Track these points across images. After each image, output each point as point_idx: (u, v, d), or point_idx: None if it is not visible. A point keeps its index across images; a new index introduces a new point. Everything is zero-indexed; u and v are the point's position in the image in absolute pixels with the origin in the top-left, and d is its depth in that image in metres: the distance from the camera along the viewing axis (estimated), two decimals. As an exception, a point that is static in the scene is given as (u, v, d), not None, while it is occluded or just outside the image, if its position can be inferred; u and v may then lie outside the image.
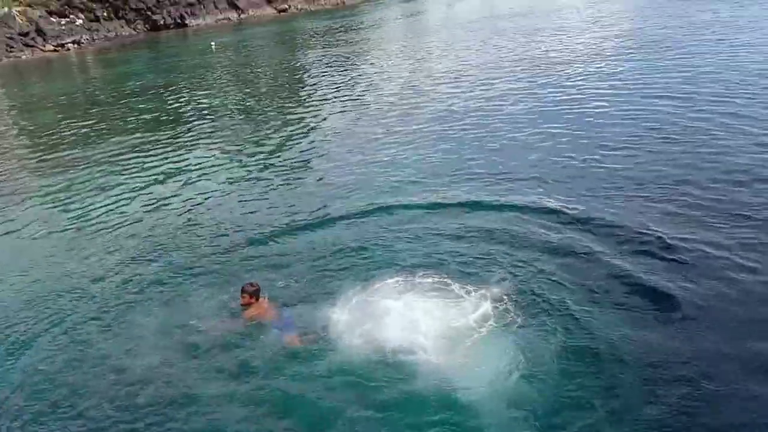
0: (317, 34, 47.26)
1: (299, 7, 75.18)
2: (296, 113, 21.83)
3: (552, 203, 11.25)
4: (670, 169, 12.29)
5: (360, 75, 27.55)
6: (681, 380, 6.82)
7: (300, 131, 19.16)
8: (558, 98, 18.71)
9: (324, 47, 39.05)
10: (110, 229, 12.53)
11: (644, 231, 9.87)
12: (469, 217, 11.09)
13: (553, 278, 8.88)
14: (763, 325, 7.63)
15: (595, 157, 13.38)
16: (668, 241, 9.49)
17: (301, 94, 25.71)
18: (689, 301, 8.11)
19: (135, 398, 7.41)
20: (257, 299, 8.74)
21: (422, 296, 8.43)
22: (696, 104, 16.06)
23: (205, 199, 13.78)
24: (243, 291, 8.74)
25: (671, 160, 12.69)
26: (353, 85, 25.18)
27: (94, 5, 60.32)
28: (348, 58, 33.20)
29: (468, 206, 11.60)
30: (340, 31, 46.87)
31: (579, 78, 20.97)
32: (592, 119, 16.13)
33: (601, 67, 22.17)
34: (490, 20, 43.06)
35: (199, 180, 15.24)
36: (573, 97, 18.58)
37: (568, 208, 10.99)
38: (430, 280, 8.88)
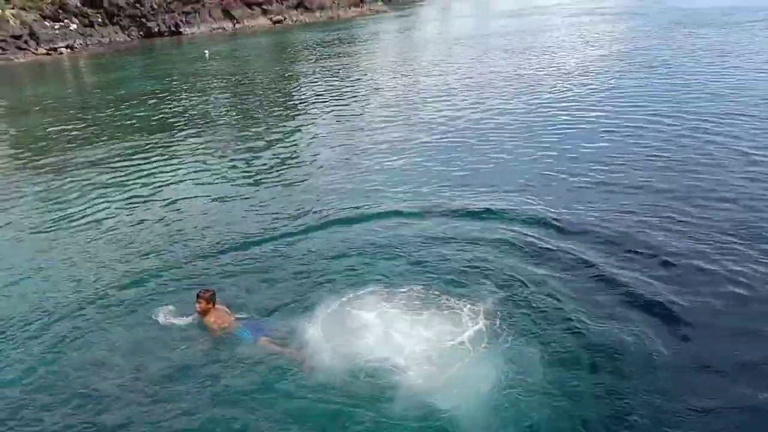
0: (311, 46, 47.45)
1: (294, 19, 75.55)
2: (287, 123, 21.85)
3: (543, 215, 11.23)
4: (658, 183, 12.40)
5: (351, 87, 27.62)
6: (680, 393, 6.71)
7: (290, 141, 19.17)
8: (548, 114, 18.82)
9: (318, 59, 39.18)
10: (90, 235, 12.37)
11: (634, 244, 9.90)
12: (459, 228, 11.01)
13: (547, 292, 8.65)
14: (755, 336, 7.61)
15: (585, 171, 13.45)
16: (659, 253, 9.51)
17: (293, 104, 25.74)
18: (683, 314, 8.08)
19: (101, 418, 6.96)
20: (214, 304, 8.45)
21: (407, 311, 8.07)
22: (683, 123, 16.25)
23: (190, 207, 13.68)
24: (198, 297, 8.41)
25: (659, 175, 12.78)
26: (345, 97, 25.23)
27: (89, 10, 60.36)
28: (340, 70, 33.31)
29: (457, 216, 11.54)
30: (335, 44, 47.08)
31: (569, 95, 21.12)
32: (580, 135, 16.24)
33: (590, 85, 22.37)
34: (483, 38, 43.42)
35: (186, 188, 15.15)
36: (562, 113, 18.69)
37: (559, 220, 10.97)
38: (416, 293, 8.56)
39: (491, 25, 54.29)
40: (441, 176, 13.99)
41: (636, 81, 22.56)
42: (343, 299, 8.54)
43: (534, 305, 8.38)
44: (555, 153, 14.89)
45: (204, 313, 8.43)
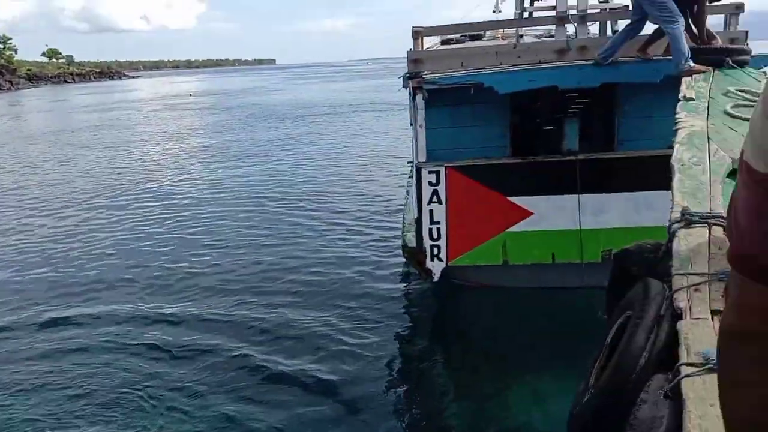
0: None
1: None
2: None
3: (144, 307, 10.53)
4: (250, 257, 12.75)
5: None
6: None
7: None
8: (134, 209, 17.93)
9: None
10: None
11: (239, 322, 9.71)
12: (56, 340, 9.42)
13: (162, 386, 7.88)
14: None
15: (175, 260, 13.03)
16: (264, 326, 9.50)
17: None
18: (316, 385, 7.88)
19: None
20: None
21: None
22: (264, 204, 17.15)
23: None
24: None
25: (253, 257, 13.07)
26: None
27: None
28: None
29: (53, 327, 9.91)
30: None
31: (150, 188, 20.78)
32: (166, 226, 15.81)
33: (174, 177, 22.53)
34: (58, 133, 40.59)
35: None
36: (146, 207, 17.95)
37: (161, 310, 10.34)
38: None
39: (70, 119, 51.37)
40: (25, 288, 12.16)
41: (218, 169, 23.53)
42: None
43: (155, 407, 7.42)
44: (145, 248, 14.17)
45: None
